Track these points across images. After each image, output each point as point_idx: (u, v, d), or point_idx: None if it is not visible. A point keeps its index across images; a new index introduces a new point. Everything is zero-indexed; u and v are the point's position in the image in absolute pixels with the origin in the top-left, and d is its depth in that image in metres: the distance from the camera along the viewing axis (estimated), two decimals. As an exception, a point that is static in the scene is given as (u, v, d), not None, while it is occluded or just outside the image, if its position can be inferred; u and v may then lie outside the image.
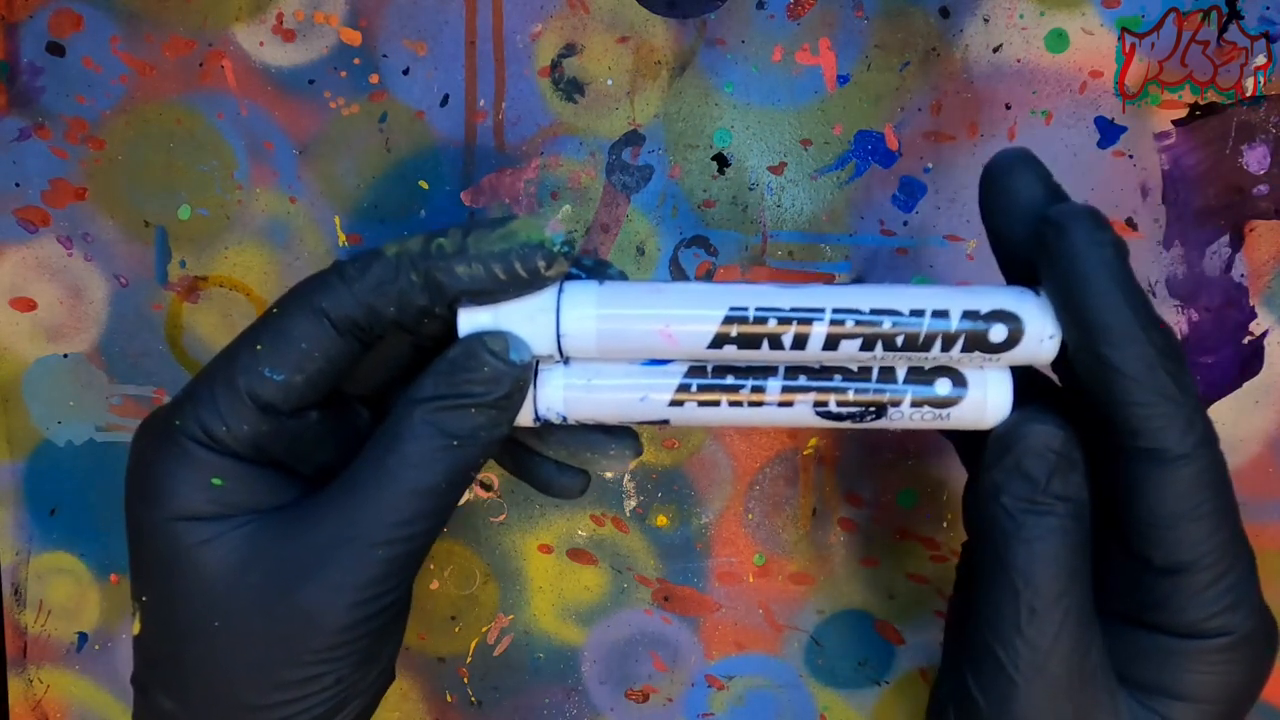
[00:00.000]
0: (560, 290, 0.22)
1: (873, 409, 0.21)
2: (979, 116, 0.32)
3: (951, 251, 0.33)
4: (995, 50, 0.32)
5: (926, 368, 0.22)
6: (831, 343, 0.21)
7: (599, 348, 0.22)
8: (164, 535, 0.22)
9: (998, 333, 0.20)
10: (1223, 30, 0.31)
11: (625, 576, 0.35)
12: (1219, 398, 0.33)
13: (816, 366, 0.22)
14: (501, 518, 0.35)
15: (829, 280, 0.33)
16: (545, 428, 0.25)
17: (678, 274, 0.33)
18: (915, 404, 0.21)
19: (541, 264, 0.21)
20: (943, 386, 0.21)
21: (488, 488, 0.35)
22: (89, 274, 0.35)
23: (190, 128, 0.34)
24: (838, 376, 0.22)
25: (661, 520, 0.35)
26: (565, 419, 0.23)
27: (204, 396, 0.22)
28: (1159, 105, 0.32)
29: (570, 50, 0.33)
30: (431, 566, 0.35)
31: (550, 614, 0.35)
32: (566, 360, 0.23)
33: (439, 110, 0.33)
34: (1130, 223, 0.32)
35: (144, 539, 0.23)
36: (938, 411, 0.21)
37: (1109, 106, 0.32)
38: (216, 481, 0.22)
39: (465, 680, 0.36)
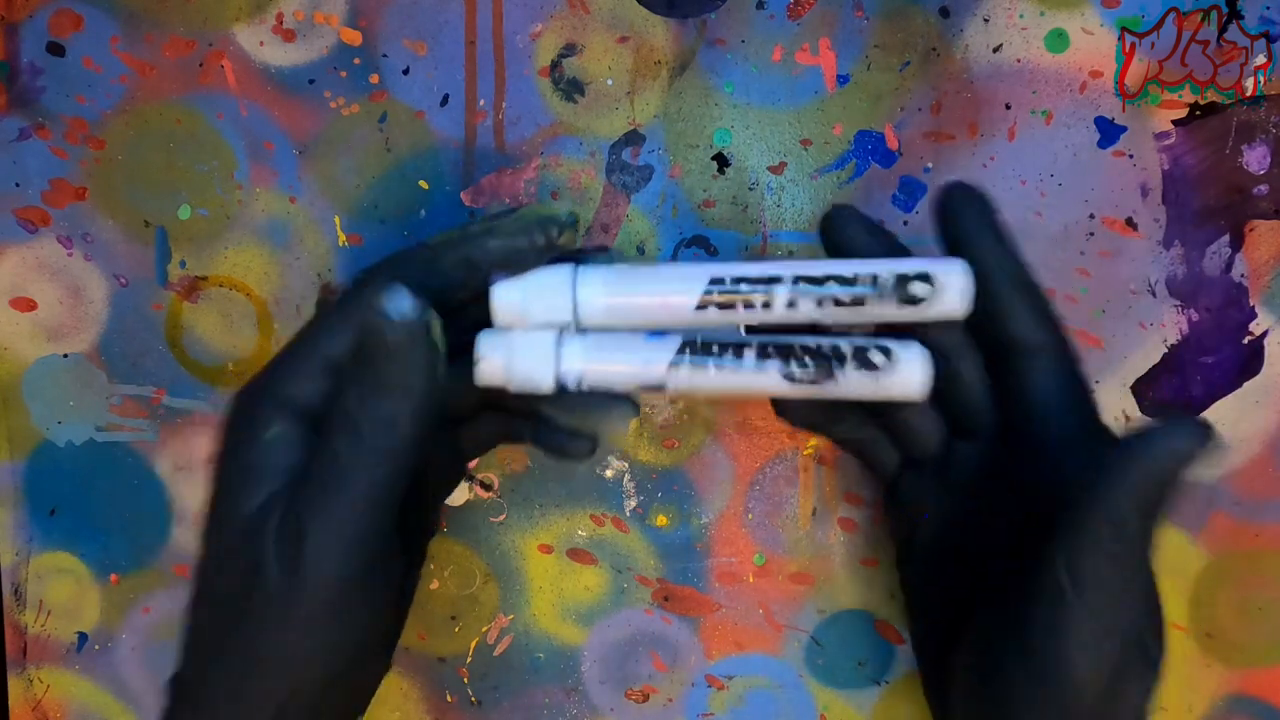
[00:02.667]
0: (575, 270, 0.26)
1: (823, 375, 0.26)
2: (979, 116, 0.32)
3: (951, 251, 0.33)
4: (995, 50, 0.32)
5: (871, 327, 0.27)
6: (792, 303, 0.25)
7: (607, 316, 0.26)
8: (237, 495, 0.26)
9: (921, 289, 0.25)
10: (1223, 30, 0.31)
11: (625, 576, 0.35)
12: (1219, 398, 0.33)
13: (783, 342, 0.26)
14: (501, 518, 0.35)
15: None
16: (557, 399, 0.27)
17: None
18: (856, 368, 0.26)
19: (554, 232, 0.25)
20: (877, 356, 0.26)
21: (488, 487, 0.35)
22: (89, 274, 0.35)
23: (190, 128, 0.34)
24: (796, 352, 0.26)
25: (661, 520, 0.35)
26: (580, 382, 0.26)
27: (283, 362, 0.26)
28: (1159, 105, 0.32)
29: (570, 50, 0.33)
30: (431, 566, 0.35)
31: (550, 614, 0.35)
32: (581, 329, 0.26)
33: (439, 110, 0.33)
34: (1130, 223, 0.32)
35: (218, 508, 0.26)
36: (875, 382, 0.26)
37: (1109, 106, 0.32)
38: (273, 432, 0.25)
39: (465, 680, 0.36)
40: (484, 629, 0.36)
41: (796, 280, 0.25)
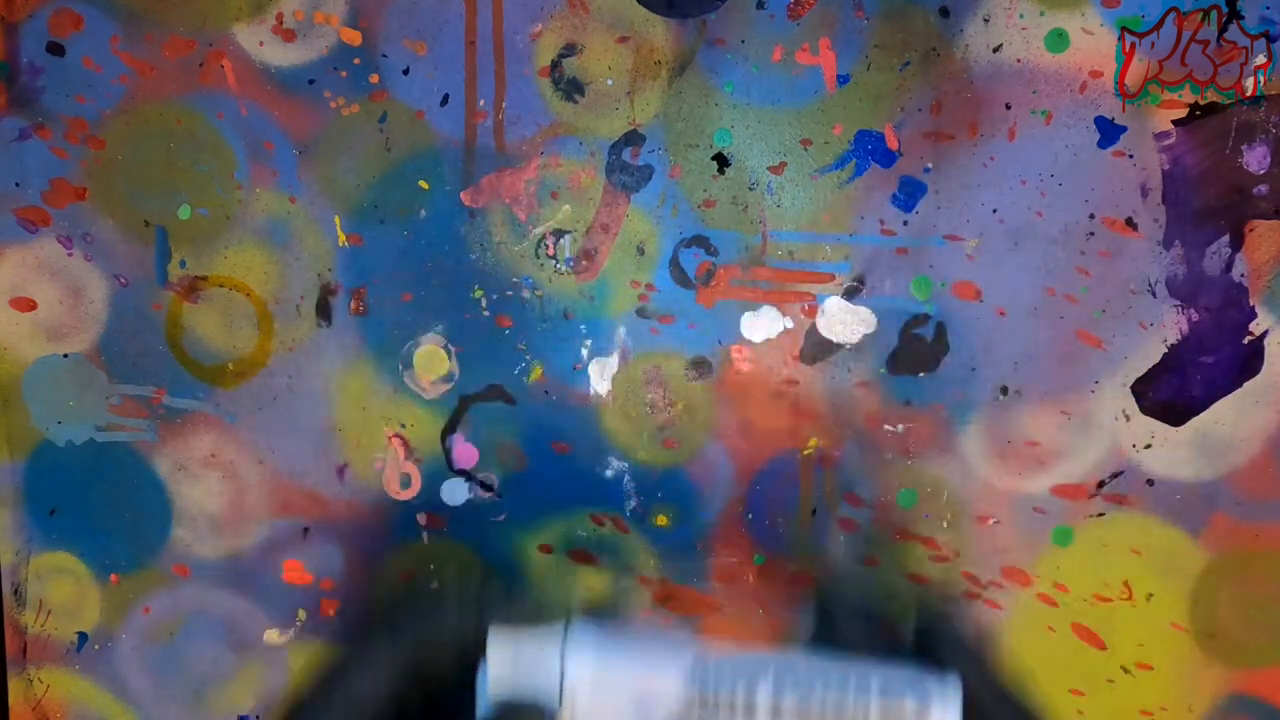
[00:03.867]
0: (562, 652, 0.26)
1: None
2: (979, 116, 0.32)
3: (951, 251, 0.33)
4: (995, 50, 0.32)
5: None
6: (776, 709, 0.25)
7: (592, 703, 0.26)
8: None
9: (909, 708, 0.25)
10: (1223, 30, 0.31)
11: (625, 576, 0.35)
12: (1219, 398, 0.33)
13: None
14: (501, 518, 0.35)
15: (828, 280, 0.33)
16: None
17: (677, 274, 0.33)
18: None
19: None
20: None
21: (488, 487, 0.35)
22: (89, 274, 0.35)
23: (190, 128, 0.34)
24: None
25: (661, 520, 0.35)
26: None
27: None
28: (1159, 105, 0.32)
29: (570, 50, 0.33)
30: (432, 566, 0.35)
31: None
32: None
33: (439, 110, 0.33)
34: (1130, 223, 0.32)
35: None
36: None
37: (1109, 106, 0.32)
38: None
39: (465, 680, 0.36)
40: (484, 629, 0.36)
41: (781, 684, 0.25)
